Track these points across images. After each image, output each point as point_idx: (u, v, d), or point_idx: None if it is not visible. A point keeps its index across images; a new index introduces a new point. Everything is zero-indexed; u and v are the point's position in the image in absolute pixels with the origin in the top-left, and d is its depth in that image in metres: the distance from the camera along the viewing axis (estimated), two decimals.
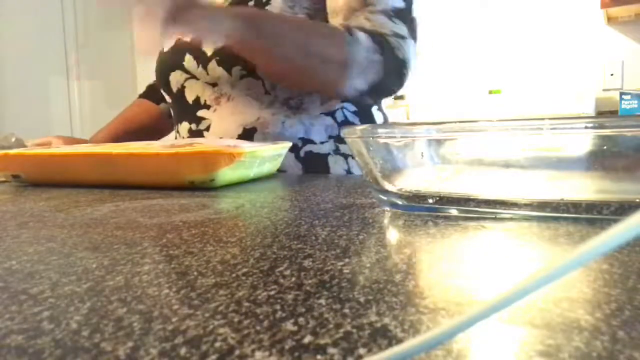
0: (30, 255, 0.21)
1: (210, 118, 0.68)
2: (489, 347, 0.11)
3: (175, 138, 0.77)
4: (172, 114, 0.77)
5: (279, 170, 0.66)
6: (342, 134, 0.30)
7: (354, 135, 0.29)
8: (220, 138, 0.66)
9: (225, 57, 0.64)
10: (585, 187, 0.26)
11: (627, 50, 2.17)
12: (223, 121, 0.67)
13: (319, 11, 0.65)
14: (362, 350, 0.11)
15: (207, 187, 0.44)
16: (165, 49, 0.73)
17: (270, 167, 0.52)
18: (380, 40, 0.59)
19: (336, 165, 0.67)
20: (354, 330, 0.13)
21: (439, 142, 0.28)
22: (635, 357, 0.11)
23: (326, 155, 0.67)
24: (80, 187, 0.48)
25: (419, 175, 0.29)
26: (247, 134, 0.66)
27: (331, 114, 0.68)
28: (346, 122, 0.69)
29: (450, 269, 0.18)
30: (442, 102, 2.41)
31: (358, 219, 0.27)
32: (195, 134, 0.70)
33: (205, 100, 0.68)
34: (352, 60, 0.57)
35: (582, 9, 2.23)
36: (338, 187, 0.42)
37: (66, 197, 0.40)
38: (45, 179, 0.51)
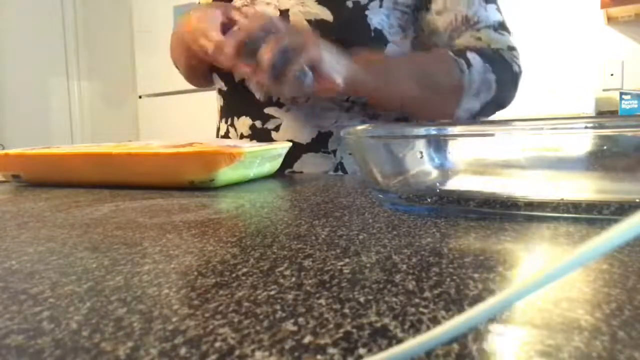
0: (30, 255, 0.21)
1: (282, 117, 0.64)
2: (489, 347, 0.11)
3: (225, 134, 0.70)
4: (223, 103, 0.71)
5: (345, 173, 0.64)
6: (342, 134, 0.30)
7: (354, 135, 0.29)
8: (290, 140, 0.63)
9: None
10: (585, 187, 0.26)
11: (627, 50, 2.17)
12: (297, 122, 0.64)
13: (412, 11, 0.64)
14: (362, 350, 0.11)
15: (207, 187, 0.44)
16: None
17: (270, 167, 0.52)
18: (493, 57, 0.58)
19: None
20: (354, 330, 0.13)
21: (439, 142, 0.28)
22: (635, 357, 0.11)
23: None
24: (80, 187, 0.48)
25: (419, 175, 0.29)
26: (322, 138, 0.64)
27: (404, 119, 0.68)
28: None
29: (450, 269, 0.18)
30: None
31: (358, 219, 0.27)
32: (261, 132, 0.65)
33: (278, 97, 0.64)
34: (466, 87, 0.57)
35: (582, 9, 2.23)
36: (338, 187, 0.42)
37: (66, 197, 0.40)
38: (45, 179, 0.51)
